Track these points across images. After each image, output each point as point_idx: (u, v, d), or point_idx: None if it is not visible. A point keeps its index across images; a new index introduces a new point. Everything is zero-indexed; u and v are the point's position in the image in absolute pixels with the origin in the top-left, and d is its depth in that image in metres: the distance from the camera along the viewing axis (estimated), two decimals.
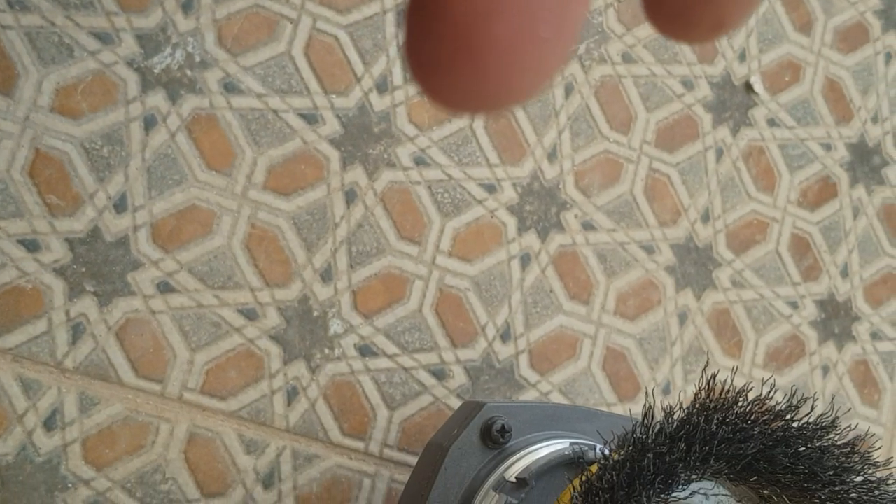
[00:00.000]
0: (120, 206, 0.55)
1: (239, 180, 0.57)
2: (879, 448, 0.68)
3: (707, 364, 0.64)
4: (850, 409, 0.69)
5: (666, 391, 0.64)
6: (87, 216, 0.54)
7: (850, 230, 0.71)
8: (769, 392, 0.39)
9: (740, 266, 0.67)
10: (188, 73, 0.57)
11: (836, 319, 0.69)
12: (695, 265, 0.66)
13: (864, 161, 0.72)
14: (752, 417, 0.39)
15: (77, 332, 0.53)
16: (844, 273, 0.70)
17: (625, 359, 0.64)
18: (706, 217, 0.67)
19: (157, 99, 0.56)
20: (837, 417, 0.40)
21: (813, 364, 0.68)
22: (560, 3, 0.11)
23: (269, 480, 0.55)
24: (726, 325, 0.66)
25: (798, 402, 0.40)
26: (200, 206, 0.56)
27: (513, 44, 0.11)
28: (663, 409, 0.39)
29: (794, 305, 0.68)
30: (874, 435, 0.68)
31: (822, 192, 0.70)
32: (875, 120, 0.72)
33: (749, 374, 0.66)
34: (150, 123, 0.56)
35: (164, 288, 0.55)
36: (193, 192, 0.56)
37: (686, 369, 0.65)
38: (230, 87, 0.57)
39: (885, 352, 0.70)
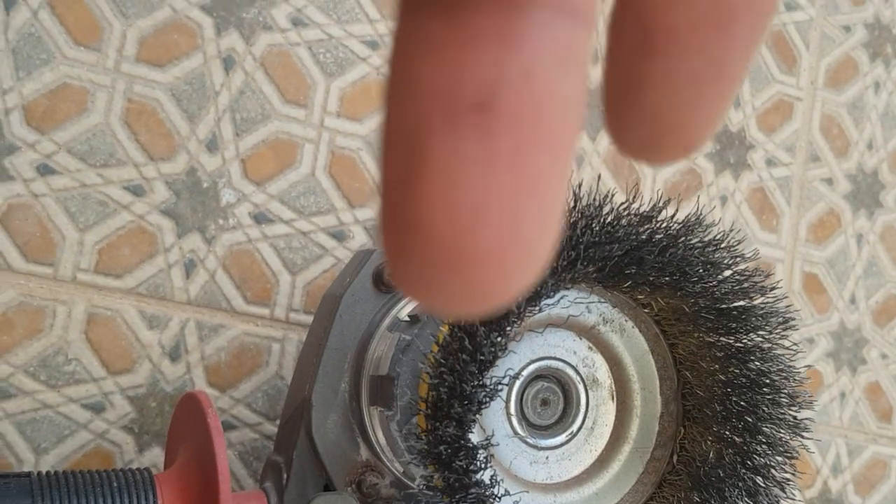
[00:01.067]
0: None
1: (110, 55, 0.55)
2: (768, 275, 0.70)
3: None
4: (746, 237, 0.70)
5: None
6: None
7: None
8: (634, 195, 0.40)
9: None
10: None
11: (730, 149, 0.70)
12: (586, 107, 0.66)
13: None
14: (619, 220, 0.39)
15: None
16: (736, 103, 0.71)
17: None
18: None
19: None
20: (703, 215, 0.41)
21: (711, 195, 0.69)
22: (546, 198, 0.10)
23: (175, 353, 0.56)
24: (623, 163, 0.67)
25: (664, 203, 0.41)
26: (72, 83, 0.55)
27: (500, 252, 0.10)
28: None
29: None
30: (753, 236, 0.70)
31: None
32: None
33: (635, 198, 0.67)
34: (9, 3, 0.54)
35: (45, 170, 0.54)
36: (63, 70, 0.55)
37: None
38: None
39: (780, 177, 0.72)
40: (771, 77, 0.72)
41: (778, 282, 0.42)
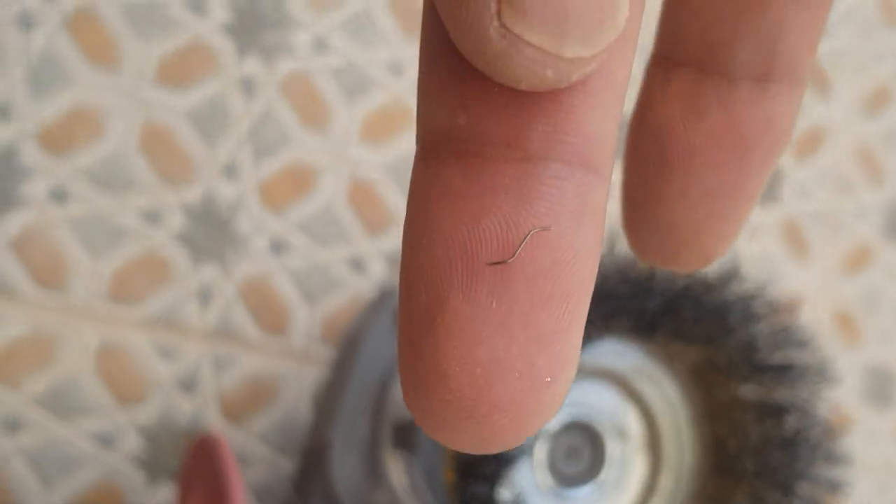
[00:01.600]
0: (3, 114, 0.52)
1: (128, 79, 0.54)
2: (797, 309, 0.69)
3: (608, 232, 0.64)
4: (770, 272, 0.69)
5: None
6: None
7: None
8: None
9: None
10: None
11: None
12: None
13: None
14: (654, 273, 0.38)
15: None
16: None
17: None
18: None
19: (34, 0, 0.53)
20: (739, 267, 0.40)
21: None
22: (561, 350, 0.11)
23: (189, 385, 0.54)
24: None
25: None
26: (89, 108, 0.53)
27: (515, 403, 0.11)
28: None
29: None
30: (784, 276, 0.68)
31: None
32: None
33: None
34: (28, 25, 0.53)
35: (59, 197, 0.53)
36: (80, 95, 0.53)
37: None
38: None
39: (810, 210, 0.70)
40: (804, 106, 0.70)
41: (815, 336, 0.41)
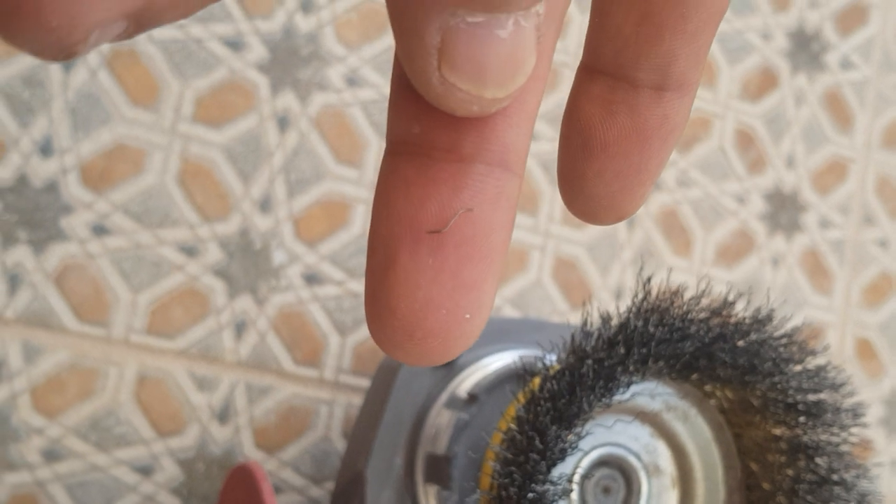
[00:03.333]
0: (46, 150, 0.53)
1: (167, 115, 0.55)
2: (819, 339, 0.69)
3: (643, 267, 0.64)
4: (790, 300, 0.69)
5: (618, 295, 0.65)
6: (13, 163, 0.53)
7: (793, 120, 0.70)
8: (705, 289, 0.39)
9: (685, 165, 0.67)
10: None
11: (783, 211, 0.69)
12: None
13: (804, 49, 0.71)
14: (689, 316, 0.39)
15: (15, 281, 0.52)
16: (790, 164, 0.70)
17: (575, 267, 0.64)
18: None
19: None
20: (774, 309, 0.40)
21: (762, 257, 0.68)
22: (478, 296, 0.15)
23: (224, 415, 0.55)
24: (674, 225, 0.66)
25: (735, 297, 0.40)
26: (129, 144, 0.55)
27: (444, 331, 0.15)
28: (601, 315, 0.39)
29: (740, 200, 0.68)
30: (812, 325, 0.69)
31: (763, 83, 0.70)
32: (813, 5, 0.72)
33: (699, 272, 0.66)
34: (69, 63, 0.54)
35: (100, 231, 0.54)
36: (121, 131, 0.54)
37: (637, 272, 0.65)
38: None
39: (833, 239, 0.71)
40: (825, 138, 0.71)
41: (850, 377, 0.41)
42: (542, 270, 0.63)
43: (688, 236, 0.67)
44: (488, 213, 0.15)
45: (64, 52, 0.13)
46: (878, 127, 0.73)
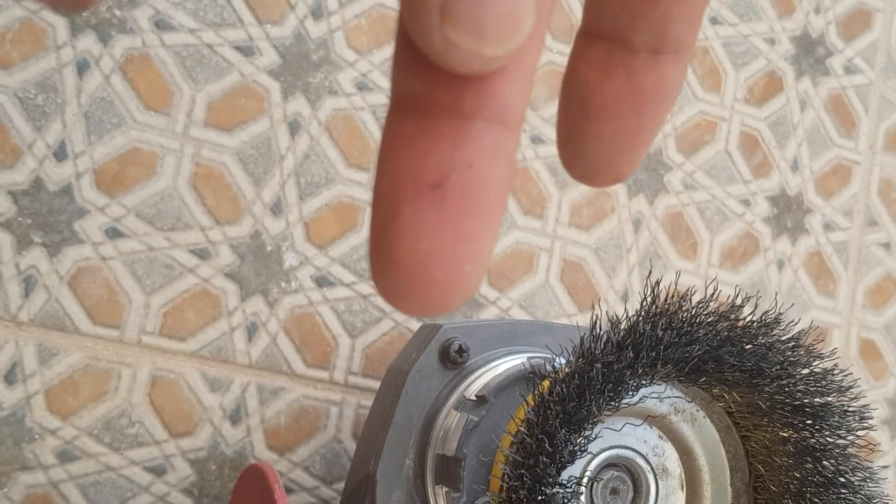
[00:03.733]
0: (60, 154, 0.54)
1: (179, 119, 0.56)
2: (823, 342, 0.70)
3: (651, 271, 0.65)
4: (797, 302, 0.70)
5: (625, 298, 0.65)
6: (27, 167, 0.53)
7: (797, 124, 0.71)
8: (713, 293, 0.40)
9: (691, 168, 0.67)
10: (117, 12, 0.55)
11: (788, 214, 0.70)
12: (646, 170, 0.66)
13: (809, 53, 0.72)
14: (697, 320, 0.39)
15: (29, 284, 0.53)
16: (795, 167, 0.70)
17: (582, 269, 0.64)
18: None
19: (88, 42, 0.55)
20: (781, 313, 0.41)
21: (768, 259, 0.69)
22: (477, 248, 0.15)
23: (236, 416, 0.56)
24: (680, 227, 0.67)
25: (742, 301, 0.40)
26: (142, 147, 0.55)
27: (445, 281, 0.15)
28: (610, 319, 0.39)
29: (746, 203, 0.69)
30: (819, 328, 0.69)
31: (769, 87, 0.70)
32: (817, 10, 0.72)
33: (706, 275, 0.67)
34: (82, 67, 0.55)
35: (113, 234, 0.54)
36: (134, 135, 0.55)
37: (643, 275, 0.65)
38: (161, 24, 0.56)
39: (838, 242, 0.71)
40: (830, 141, 0.72)
41: (857, 381, 0.42)
42: (549, 272, 0.63)
43: (694, 238, 0.67)
44: (488, 168, 0.15)
45: (78, 3, 0.14)
46: (882, 130, 0.73)
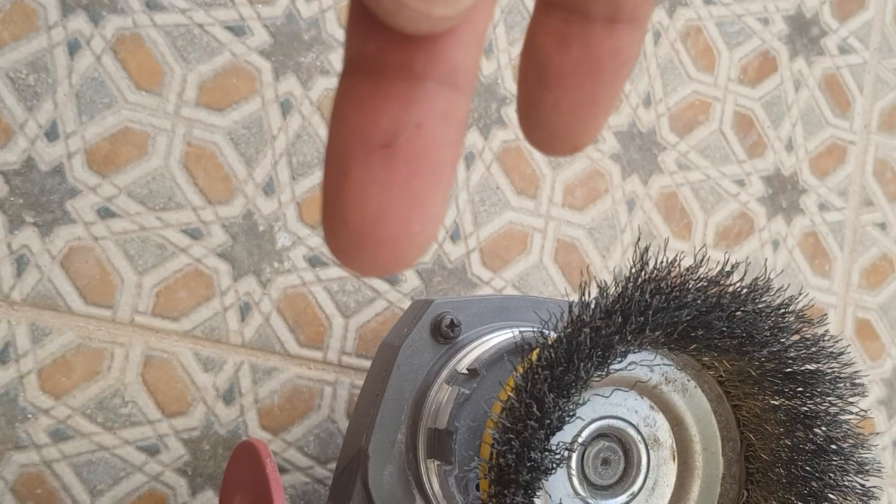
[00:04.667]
0: (51, 134, 0.54)
1: (170, 99, 0.56)
2: (825, 317, 0.70)
3: (639, 237, 0.65)
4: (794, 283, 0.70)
5: (619, 278, 0.65)
6: (19, 147, 0.53)
7: (792, 104, 0.71)
8: (702, 259, 0.40)
9: (685, 148, 0.67)
10: None
11: (783, 194, 0.70)
12: (639, 150, 0.66)
13: (803, 33, 0.71)
14: (686, 285, 0.39)
15: (21, 263, 0.53)
16: (789, 147, 0.70)
17: (576, 249, 0.64)
18: (648, 101, 0.66)
19: (79, 22, 0.55)
20: (770, 280, 0.41)
21: (763, 240, 0.69)
22: (427, 208, 0.15)
23: (229, 396, 0.56)
24: (675, 207, 0.67)
25: (731, 267, 0.40)
26: (133, 127, 0.55)
27: (394, 241, 0.15)
28: (599, 286, 0.39)
29: (740, 183, 0.69)
30: (811, 295, 0.69)
31: (763, 67, 0.70)
32: None
33: (703, 261, 0.67)
34: (73, 48, 0.55)
35: (105, 213, 0.54)
36: (125, 115, 0.55)
37: (635, 246, 0.65)
38: (152, 5, 0.56)
39: (833, 222, 0.71)
40: (824, 121, 0.71)
41: (846, 347, 0.42)
42: (543, 252, 0.63)
43: (688, 219, 0.67)
44: (438, 130, 0.15)
45: None
46: (876, 110, 0.73)
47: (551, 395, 0.37)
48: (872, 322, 0.71)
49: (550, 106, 0.17)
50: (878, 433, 0.70)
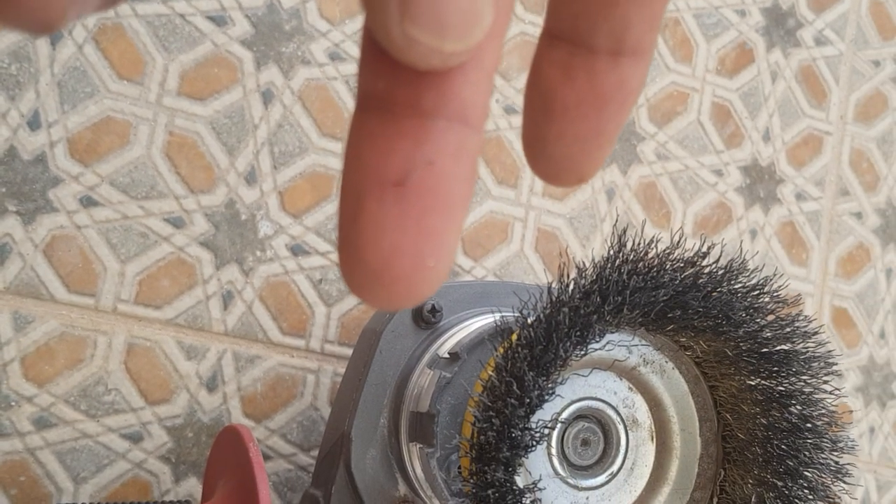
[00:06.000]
0: (34, 123, 0.54)
1: (152, 88, 0.56)
2: (799, 297, 0.71)
3: (617, 220, 0.65)
4: (775, 270, 0.70)
5: None
6: (1, 136, 0.54)
7: (769, 95, 0.72)
8: (679, 241, 0.40)
9: (664, 138, 0.68)
10: None
11: (760, 184, 0.71)
12: (619, 140, 0.67)
13: (780, 24, 0.72)
14: (663, 266, 0.40)
15: (4, 252, 0.53)
16: (766, 137, 0.71)
17: (556, 238, 0.65)
18: None
19: None
20: (745, 261, 0.41)
21: (741, 229, 0.70)
22: (440, 243, 0.16)
23: (212, 384, 0.56)
24: (654, 197, 0.67)
25: (707, 249, 0.41)
26: (115, 117, 0.55)
27: (409, 275, 0.15)
28: (577, 266, 0.40)
29: (718, 173, 0.69)
30: (785, 275, 0.70)
31: (740, 58, 0.71)
32: None
33: (679, 243, 0.68)
34: (55, 37, 0.55)
35: (87, 202, 0.55)
36: (107, 104, 0.55)
37: (613, 228, 0.66)
38: None
39: (810, 211, 0.72)
40: (801, 112, 0.72)
41: (821, 327, 0.42)
42: (524, 242, 0.64)
43: (667, 208, 0.68)
44: (449, 166, 0.16)
45: (46, 26, 0.14)
46: (852, 101, 0.74)
47: (531, 373, 0.37)
48: (849, 310, 0.72)
49: (555, 137, 0.18)
50: (851, 422, 0.71)
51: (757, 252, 0.70)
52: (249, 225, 0.58)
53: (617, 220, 0.66)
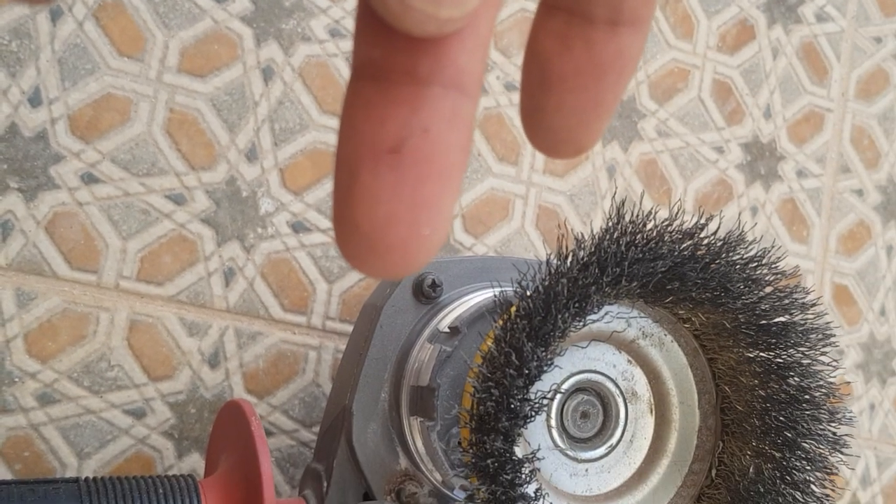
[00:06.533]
0: (35, 100, 0.54)
1: (152, 65, 0.56)
2: (797, 268, 0.71)
3: (616, 191, 0.65)
4: (779, 247, 0.71)
5: None
6: (2, 113, 0.54)
7: (770, 71, 0.72)
8: (677, 212, 0.41)
9: (664, 115, 0.68)
10: None
11: (761, 161, 0.71)
12: (619, 118, 0.67)
13: (780, 1, 0.72)
14: (662, 237, 0.40)
15: (6, 229, 0.53)
16: (767, 114, 0.71)
17: (557, 215, 0.65)
18: None
19: None
20: (744, 232, 0.42)
21: (741, 206, 0.70)
22: (435, 212, 0.15)
23: (214, 360, 0.57)
24: (654, 174, 0.68)
25: (706, 220, 0.41)
26: (116, 93, 0.56)
27: (404, 244, 0.15)
28: (576, 238, 0.40)
29: (719, 150, 0.69)
30: (783, 247, 0.70)
31: (741, 35, 0.71)
32: None
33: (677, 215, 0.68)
34: (56, 14, 0.55)
35: (89, 179, 0.55)
36: (107, 81, 0.55)
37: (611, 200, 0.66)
38: None
39: (810, 188, 0.72)
40: (802, 88, 0.72)
41: (819, 298, 0.43)
42: (524, 219, 0.64)
43: (668, 185, 0.68)
44: (445, 134, 0.16)
45: None
46: (853, 78, 0.74)
47: (529, 344, 0.37)
48: (850, 287, 0.72)
49: (554, 109, 0.18)
50: (850, 394, 0.72)
51: (757, 227, 0.70)
52: (250, 202, 0.58)
53: (615, 192, 0.66)
